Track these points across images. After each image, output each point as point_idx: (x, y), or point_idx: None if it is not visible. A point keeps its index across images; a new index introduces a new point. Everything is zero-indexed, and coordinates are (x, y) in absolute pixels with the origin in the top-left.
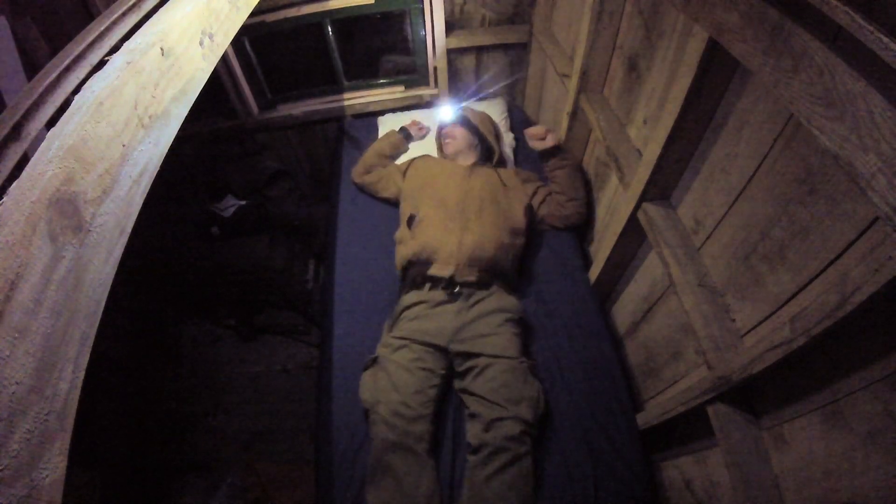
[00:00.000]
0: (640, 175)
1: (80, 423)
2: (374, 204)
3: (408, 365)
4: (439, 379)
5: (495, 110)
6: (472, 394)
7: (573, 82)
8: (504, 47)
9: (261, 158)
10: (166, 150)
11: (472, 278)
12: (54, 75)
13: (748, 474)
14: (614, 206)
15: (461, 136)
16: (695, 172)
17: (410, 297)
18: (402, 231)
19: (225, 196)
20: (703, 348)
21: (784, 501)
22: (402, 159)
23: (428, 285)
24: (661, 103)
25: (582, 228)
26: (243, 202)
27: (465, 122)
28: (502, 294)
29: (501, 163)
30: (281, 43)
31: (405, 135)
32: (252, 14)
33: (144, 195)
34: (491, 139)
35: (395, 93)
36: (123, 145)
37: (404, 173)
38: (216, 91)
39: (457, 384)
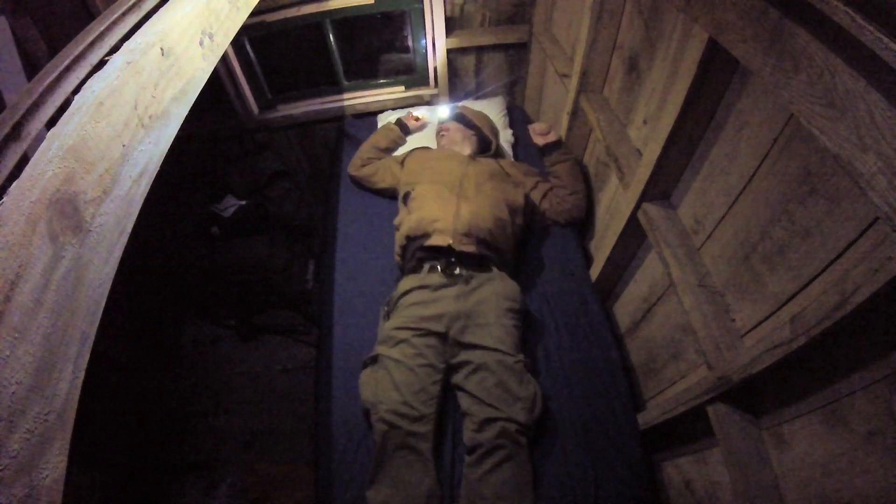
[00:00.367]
0: (640, 175)
1: (80, 423)
2: (373, 204)
3: (408, 362)
4: (441, 374)
5: (495, 109)
6: (465, 391)
7: (573, 82)
8: (504, 47)
9: (261, 158)
10: (166, 150)
11: (470, 249)
12: (54, 75)
13: (748, 474)
14: (614, 206)
15: (455, 128)
16: (695, 172)
17: (408, 281)
18: (400, 214)
19: (225, 196)
20: (703, 348)
21: (784, 501)
22: (399, 152)
23: (427, 267)
24: (661, 103)
25: (582, 228)
26: (243, 202)
27: (459, 117)
28: (504, 278)
29: (499, 156)
30: (281, 43)
31: (401, 127)
32: (252, 14)
33: (144, 195)
34: (487, 132)
35: (395, 93)
36: (123, 145)
37: (402, 163)
38: (216, 91)
39: (452, 378)
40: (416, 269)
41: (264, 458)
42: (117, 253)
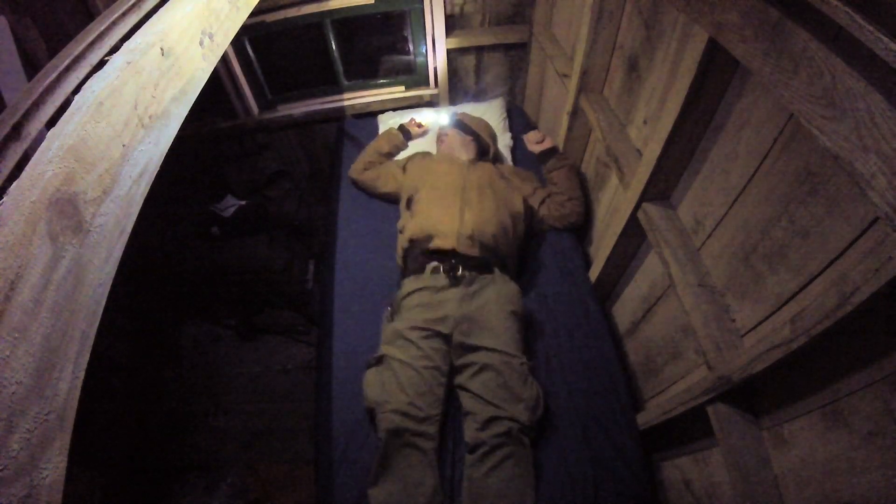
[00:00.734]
0: (640, 175)
1: (80, 423)
2: (373, 204)
3: (414, 364)
4: (446, 376)
5: (494, 111)
6: (468, 391)
7: (573, 82)
8: (504, 47)
9: (261, 158)
10: (166, 150)
11: (473, 252)
12: (54, 75)
13: (748, 474)
14: (614, 206)
15: (454, 134)
16: (695, 172)
17: (411, 282)
18: (402, 218)
19: (225, 196)
20: (703, 348)
21: (784, 501)
22: (400, 157)
23: (429, 268)
24: (661, 103)
25: (582, 228)
26: (243, 202)
27: (459, 124)
28: (505, 280)
29: (498, 161)
30: (281, 43)
31: (404, 133)
32: (252, 14)
33: (144, 195)
34: (485, 137)
35: (395, 93)
36: (123, 145)
37: (404, 168)
38: (216, 91)
39: (455, 379)
40: (418, 271)
41: (264, 458)
42: (117, 253)
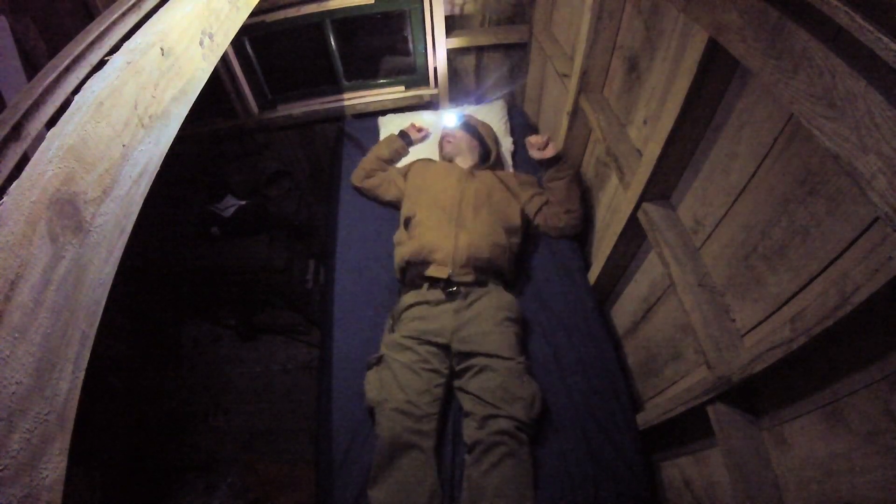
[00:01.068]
0: (640, 175)
1: (80, 423)
2: (373, 204)
3: (413, 366)
4: (444, 378)
5: (495, 113)
6: (467, 392)
7: (573, 82)
8: (504, 47)
9: (261, 158)
10: (166, 150)
11: (468, 279)
12: (54, 75)
13: (748, 474)
14: (614, 206)
15: (462, 137)
16: (695, 172)
17: (410, 297)
18: (399, 233)
19: (225, 196)
20: (703, 348)
21: (784, 501)
22: (402, 163)
23: (426, 285)
24: (661, 103)
25: (581, 230)
26: (243, 202)
27: (467, 126)
28: (500, 291)
29: (499, 166)
30: (281, 43)
31: (404, 139)
32: (252, 14)
33: (144, 195)
34: (489, 142)
35: (395, 93)
36: (123, 145)
37: (405, 175)
38: (216, 91)
39: (455, 382)
40: (416, 287)
41: (264, 458)
42: (117, 253)
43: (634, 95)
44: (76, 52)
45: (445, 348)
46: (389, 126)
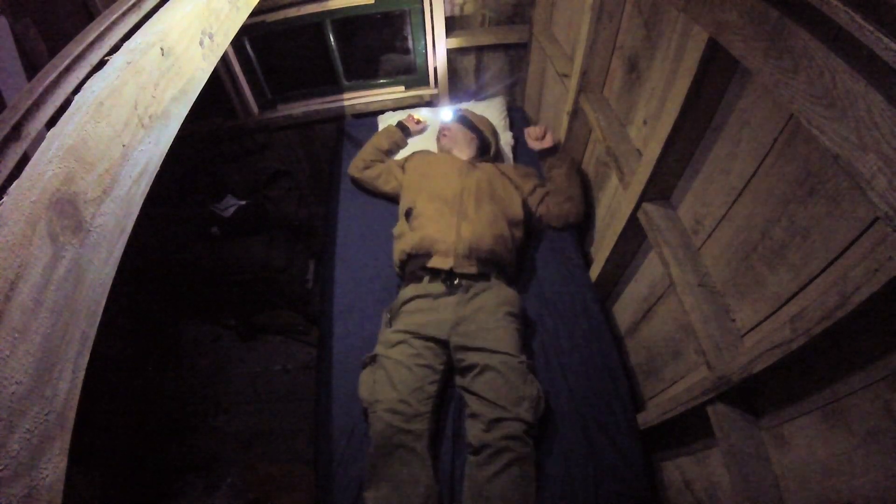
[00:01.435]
0: (640, 175)
1: (80, 423)
2: (373, 204)
3: (406, 361)
4: (438, 375)
5: (495, 110)
6: (472, 393)
7: (573, 82)
8: (504, 47)
9: (261, 158)
10: (166, 150)
11: (471, 270)
12: (54, 75)
13: (748, 474)
14: (614, 206)
15: (458, 130)
16: (695, 172)
17: (410, 290)
18: (400, 225)
19: (225, 196)
20: (703, 348)
21: (784, 501)
22: (400, 155)
23: (427, 278)
24: (661, 103)
25: (582, 228)
26: (243, 202)
27: (463, 119)
28: (502, 286)
29: (499, 159)
30: (281, 43)
31: (402, 129)
32: (252, 14)
33: (144, 195)
34: (487, 134)
35: (395, 93)
36: (123, 145)
37: (403, 167)
38: (216, 91)
39: (457, 381)
40: (416, 280)
41: (264, 458)
42: (117, 253)
43: (634, 95)
44: (76, 52)
45: (443, 343)
46: (389, 124)
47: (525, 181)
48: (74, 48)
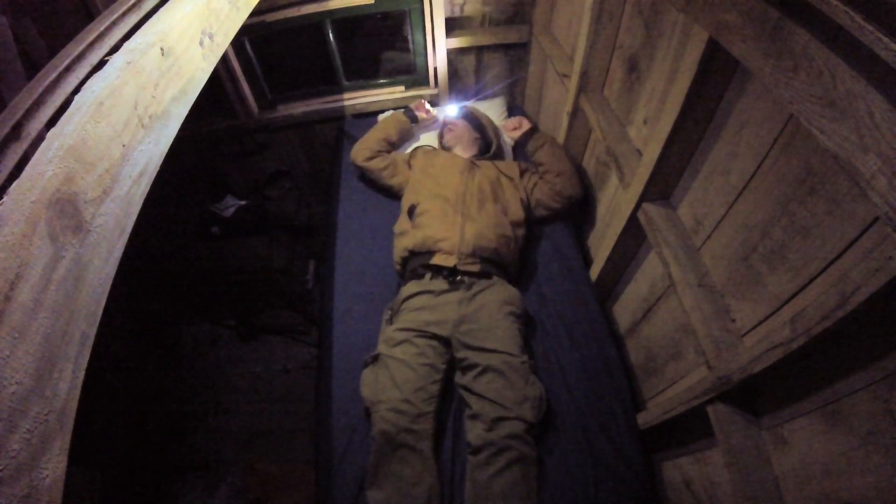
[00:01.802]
0: (640, 175)
1: (80, 423)
2: (373, 203)
3: (409, 361)
4: (441, 374)
5: (495, 109)
6: (474, 393)
7: (573, 82)
8: (504, 47)
9: (261, 158)
10: (166, 150)
11: (474, 268)
12: (54, 75)
13: (748, 474)
14: (614, 206)
15: (462, 126)
16: (695, 172)
17: (411, 287)
18: (402, 222)
19: (225, 196)
20: (703, 348)
21: (784, 501)
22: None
23: (429, 275)
24: (661, 103)
25: (582, 227)
26: (243, 202)
27: (469, 117)
28: (504, 285)
29: (499, 157)
30: (281, 43)
31: (410, 117)
32: (252, 14)
33: (144, 195)
34: (490, 133)
35: (395, 93)
36: (123, 145)
37: (409, 164)
38: (216, 91)
39: (458, 379)
40: (418, 277)
41: (264, 458)
42: (117, 253)
43: (634, 95)
44: (76, 52)
45: (445, 341)
46: None
47: (522, 175)
48: (74, 48)
